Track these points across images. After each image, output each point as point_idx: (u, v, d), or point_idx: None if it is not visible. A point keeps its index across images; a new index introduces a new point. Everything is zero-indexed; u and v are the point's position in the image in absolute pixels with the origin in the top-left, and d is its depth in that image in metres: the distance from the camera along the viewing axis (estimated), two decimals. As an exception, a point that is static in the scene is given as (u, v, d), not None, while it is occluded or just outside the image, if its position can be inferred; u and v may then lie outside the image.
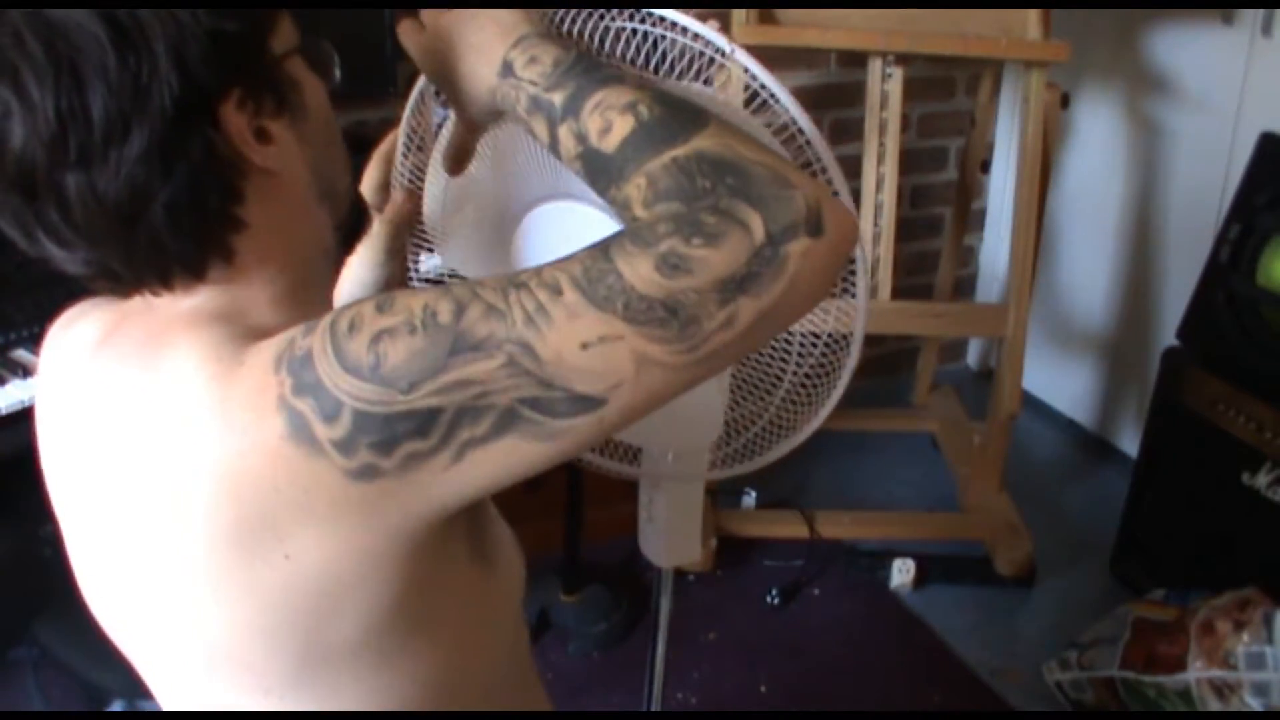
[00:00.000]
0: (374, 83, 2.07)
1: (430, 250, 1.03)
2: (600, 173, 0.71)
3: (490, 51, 0.77)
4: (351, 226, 0.86)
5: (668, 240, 0.63)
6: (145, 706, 1.85)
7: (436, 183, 0.99)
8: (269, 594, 0.69)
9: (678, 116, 0.70)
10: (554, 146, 0.74)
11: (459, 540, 0.75)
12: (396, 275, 0.97)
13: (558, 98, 0.73)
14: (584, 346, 0.63)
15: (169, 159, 0.67)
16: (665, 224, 0.64)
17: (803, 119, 0.86)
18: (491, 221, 1.00)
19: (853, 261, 0.91)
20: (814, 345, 0.97)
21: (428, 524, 0.68)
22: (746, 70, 0.87)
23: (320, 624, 0.70)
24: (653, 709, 1.42)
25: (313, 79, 0.78)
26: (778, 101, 0.87)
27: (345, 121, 1.07)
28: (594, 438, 0.66)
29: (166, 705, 0.81)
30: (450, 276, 1.04)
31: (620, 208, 0.70)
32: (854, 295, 0.93)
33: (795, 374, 1.00)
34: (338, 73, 0.81)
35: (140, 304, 0.77)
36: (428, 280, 1.05)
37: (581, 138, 0.72)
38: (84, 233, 0.69)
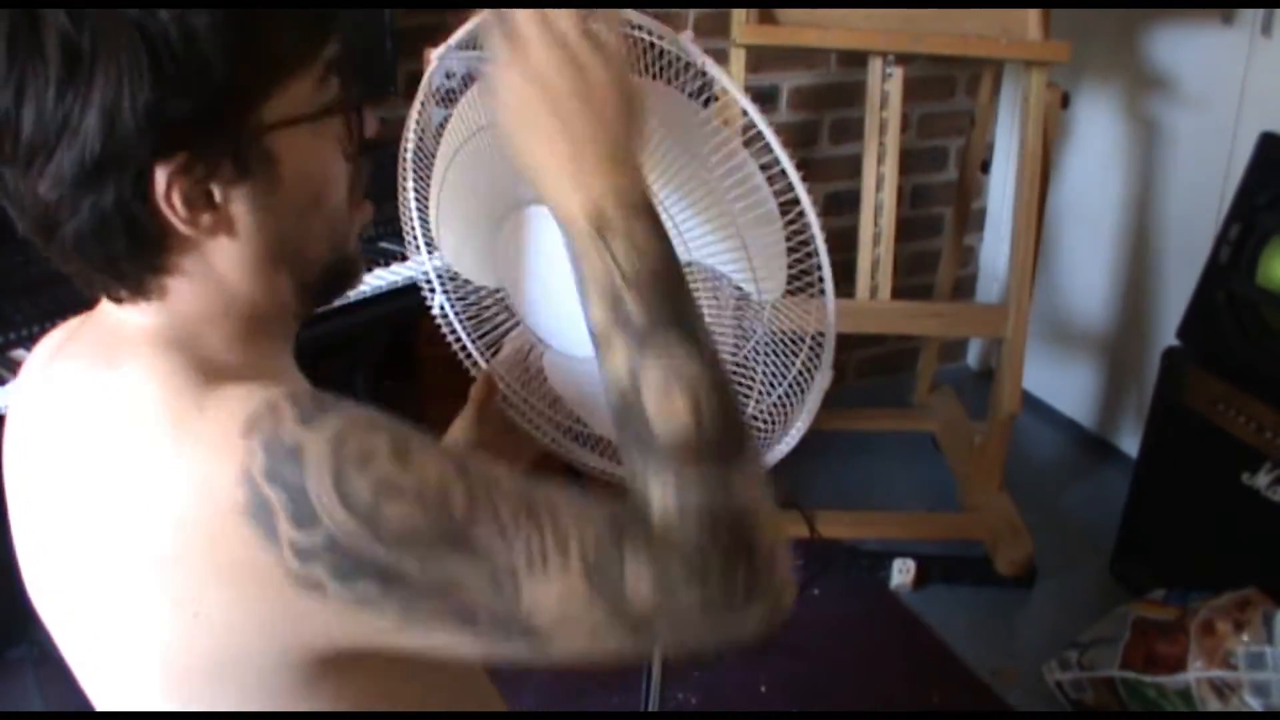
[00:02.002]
0: (374, 83, 2.07)
1: (431, 250, 1.03)
2: (634, 431, 0.72)
3: (586, 178, 0.73)
4: (340, 281, 0.80)
5: (674, 575, 0.67)
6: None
7: (435, 181, 0.99)
8: (171, 639, 0.68)
9: (729, 438, 0.71)
10: (604, 355, 0.73)
11: (398, 662, 0.73)
12: (488, 436, 1.02)
13: (639, 332, 0.71)
14: (561, 608, 0.66)
15: (78, 195, 0.66)
16: (678, 561, 0.67)
17: (771, 137, 0.88)
18: (485, 217, 1.00)
19: (817, 266, 0.91)
20: (798, 348, 0.97)
21: (347, 652, 0.69)
22: (697, 63, 0.87)
23: (220, 670, 0.70)
24: (651, 709, 1.42)
25: (310, 144, 0.72)
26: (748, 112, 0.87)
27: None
28: (528, 662, 0.68)
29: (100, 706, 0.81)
30: (447, 273, 1.05)
31: (637, 476, 0.71)
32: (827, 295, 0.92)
33: (775, 380, 0.99)
34: (366, 130, 0.76)
35: (101, 308, 0.77)
36: (427, 279, 1.05)
37: (637, 392, 0.71)
38: (20, 224, 0.70)
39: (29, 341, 1.49)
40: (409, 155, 1.00)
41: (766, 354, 1.00)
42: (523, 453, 1.10)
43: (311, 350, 1.65)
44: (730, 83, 0.87)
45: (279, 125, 0.70)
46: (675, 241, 0.89)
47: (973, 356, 3.40)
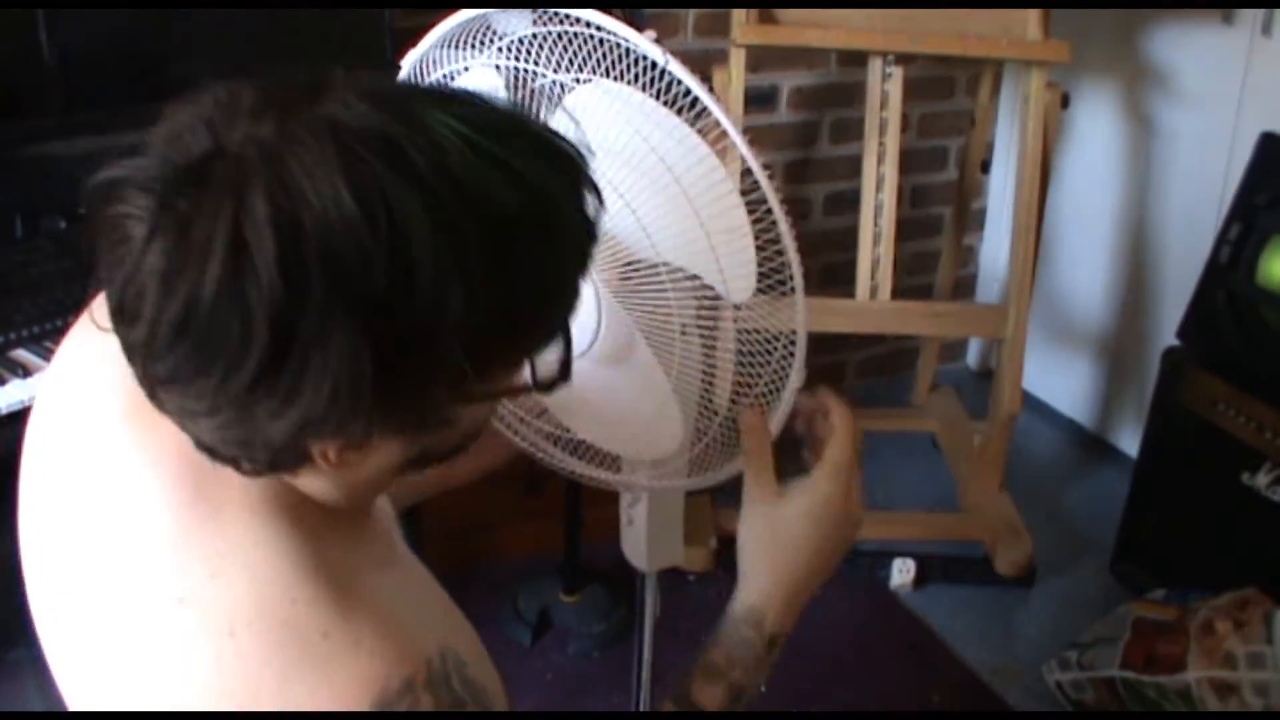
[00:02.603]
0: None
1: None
2: None
3: (795, 603, 0.92)
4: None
5: None
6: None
7: None
8: None
9: None
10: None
11: None
12: None
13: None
14: None
15: (229, 419, 0.62)
16: None
17: (735, 135, 0.88)
18: None
19: (785, 265, 0.91)
20: (773, 349, 0.97)
21: None
22: (660, 62, 0.87)
23: None
24: (644, 709, 1.42)
25: (487, 407, 0.73)
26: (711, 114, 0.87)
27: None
28: None
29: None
30: None
31: None
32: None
33: (751, 382, 0.99)
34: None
35: None
36: None
37: None
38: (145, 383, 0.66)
39: (29, 341, 1.49)
40: None
41: (741, 355, 0.99)
42: (500, 453, 1.10)
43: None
44: (693, 81, 0.87)
45: (473, 401, 0.68)
46: (644, 243, 0.90)
47: (973, 356, 3.40)
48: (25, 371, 1.43)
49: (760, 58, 2.64)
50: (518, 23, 0.91)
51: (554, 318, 0.69)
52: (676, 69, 0.87)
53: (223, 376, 0.59)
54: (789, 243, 0.89)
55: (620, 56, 0.89)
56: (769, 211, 0.89)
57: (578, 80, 0.91)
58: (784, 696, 2.19)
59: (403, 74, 0.99)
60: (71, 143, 1.84)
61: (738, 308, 0.94)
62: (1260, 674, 1.89)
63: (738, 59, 2.27)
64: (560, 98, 0.93)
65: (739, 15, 2.24)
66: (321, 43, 2.10)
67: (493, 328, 0.63)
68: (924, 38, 2.30)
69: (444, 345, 0.61)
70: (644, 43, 0.87)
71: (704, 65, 2.30)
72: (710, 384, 0.98)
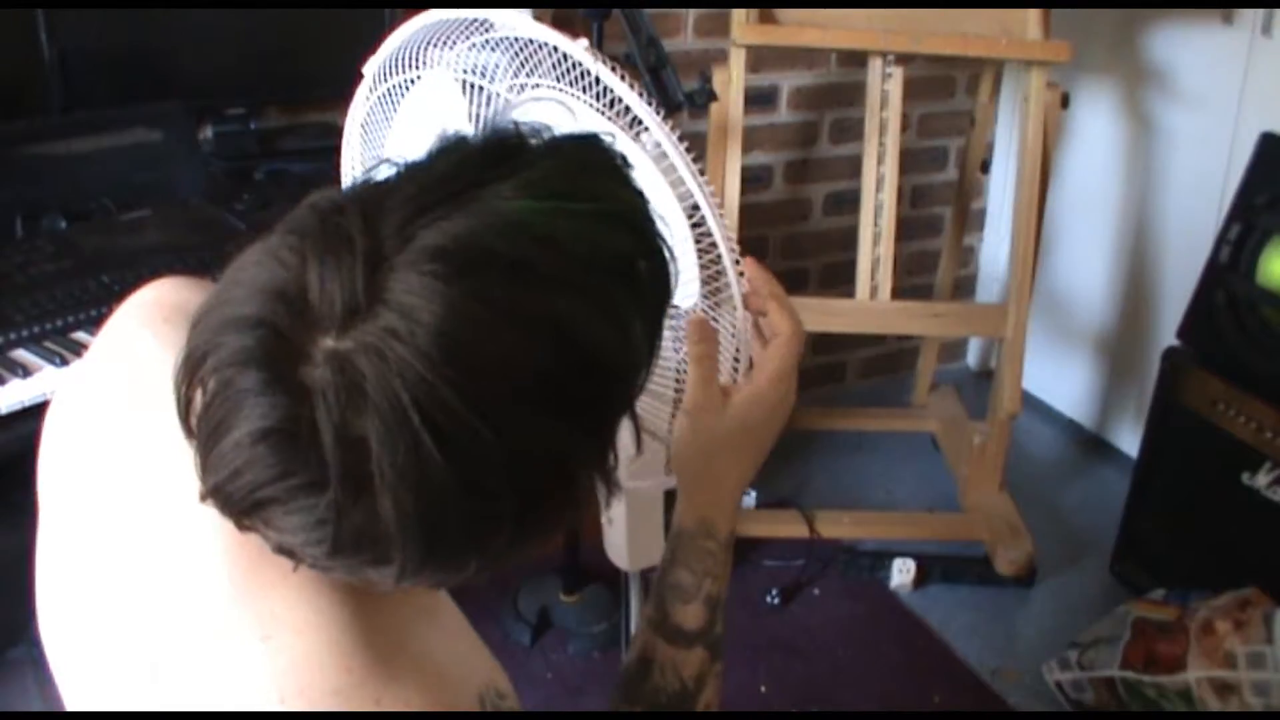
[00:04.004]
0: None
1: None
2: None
3: (737, 499, 0.90)
4: None
5: None
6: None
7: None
8: None
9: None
10: (677, 654, 0.89)
11: None
12: None
13: (716, 645, 0.89)
14: None
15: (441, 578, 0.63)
16: None
17: (671, 143, 0.86)
18: None
19: (717, 261, 0.90)
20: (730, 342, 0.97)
21: None
22: (593, 72, 0.87)
23: None
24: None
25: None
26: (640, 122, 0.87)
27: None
28: None
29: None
30: None
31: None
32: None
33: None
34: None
35: None
36: None
37: (694, 696, 0.89)
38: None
39: (29, 342, 1.49)
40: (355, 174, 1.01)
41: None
42: None
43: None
44: (626, 90, 0.87)
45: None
46: None
47: (973, 356, 3.40)
48: (25, 371, 1.42)
49: (760, 58, 2.64)
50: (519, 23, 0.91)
51: (671, 293, 0.69)
52: (609, 79, 0.86)
53: (479, 556, 0.60)
54: (724, 246, 0.87)
55: (574, 64, 0.89)
56: (705, 218, 0.88)
57: (521, 89, 0.91)
58: (784, 696, 2.19)
59: (368, 77, 1.00)
60: (71, 143, 1.84)
61: (681, 314, 0.93)
62: (1260, 674, 1.89)
63: (738, 59, 2.27)
64: (508, 107, 0.93)
65: (739, 15, 2.24)
66: (321, 43, 2.10)
67: (657, 326, 0.66)
68: (924, 38, 2.30)
69: (638, 380, 0.64)
70: (579, 51, 0.87)
71: (704, 65, 2.30)
72: (681, 381, 0.98)
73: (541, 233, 0.59)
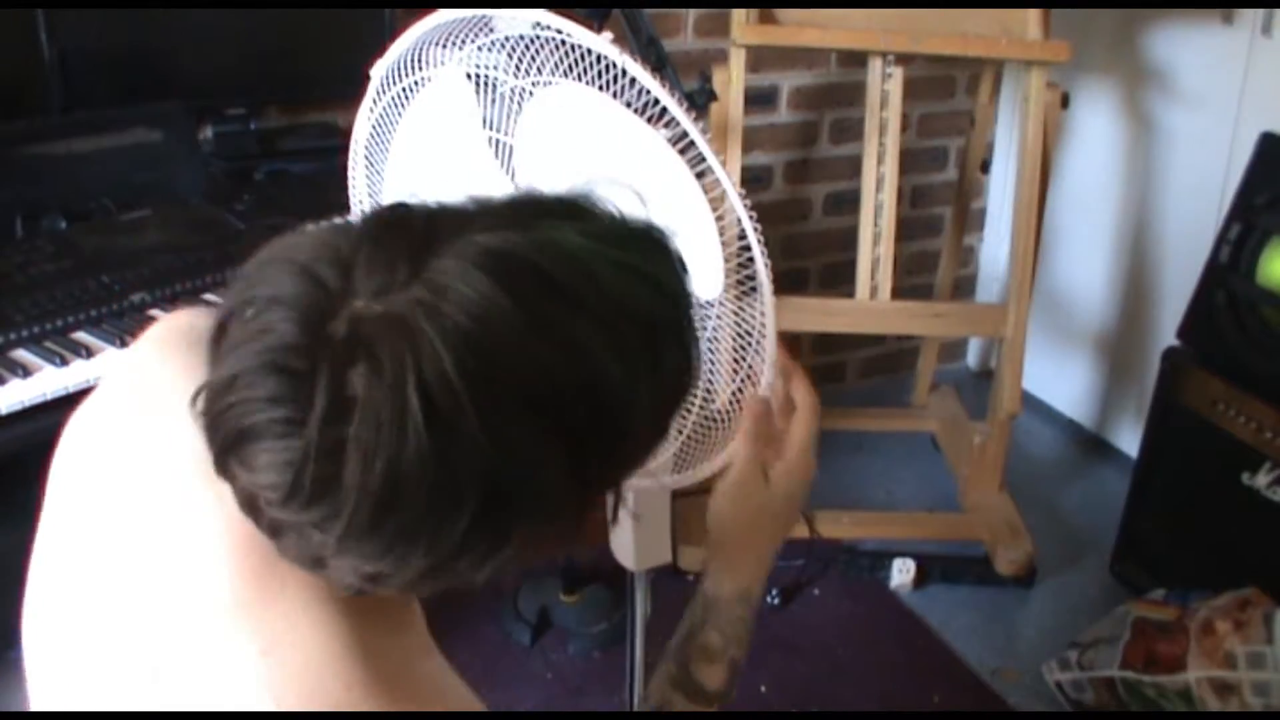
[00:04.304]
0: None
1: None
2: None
3: (765, 562, 0.95)
4: None
5: None
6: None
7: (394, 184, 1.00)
8: None
9: None
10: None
11: None
12: None
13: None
14: None
15: (418, 576, 0.62)
16: None
17: (695, 132, 0.88)
18: None
19: (749, 255, 0.91)
20: (747, 344, 0.97)
21: None
22: (617, 63, 0.87)
23: None
24: (636, 709, 1.42)
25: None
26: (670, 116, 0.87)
27: (348, 123, 1.08)
28: None
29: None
30: None
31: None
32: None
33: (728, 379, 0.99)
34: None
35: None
36: None
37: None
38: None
39: (29, 342, 1.49)
40: (360, 176, 1.01)
41: (716, 354, 1.00)
42: None
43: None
44: (652, 82, 0.87)
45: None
46: None
47: (973, 356, 3.40)
48: (25, 371, 1.42)
49: (760, 58, 2.64)
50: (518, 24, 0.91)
51: (685, 398, 0.72)
52: (635, 70, 0.87)
53: (429, 544, 0.59)
54: (752, 236, 0.89)
55: (580, 57, 0.89)
56: (751, 214, 0.89)
57: (542, 84, 0.92)
58: (784, 696, 2.19)
59: (375, 80, 1.00)
60: (71, 143, 1.84)
61: (706, 305, 0.94)
62: (1260, 674, 1.89)
63: (738, 59, 2.27)
64: (524, 102, 0.93)
65: (739, 15, 2.24)
66: (322, 43, 2.10)
67: (662, 416, 0.68)
68: (924, 38, 2.30)
69: (630, 449, 0.65)
70: (600, 43, 0.87)
71: (704, 65, 2.30)
72: (708, 390, 0.98)
73: (586, 267, 0.62)
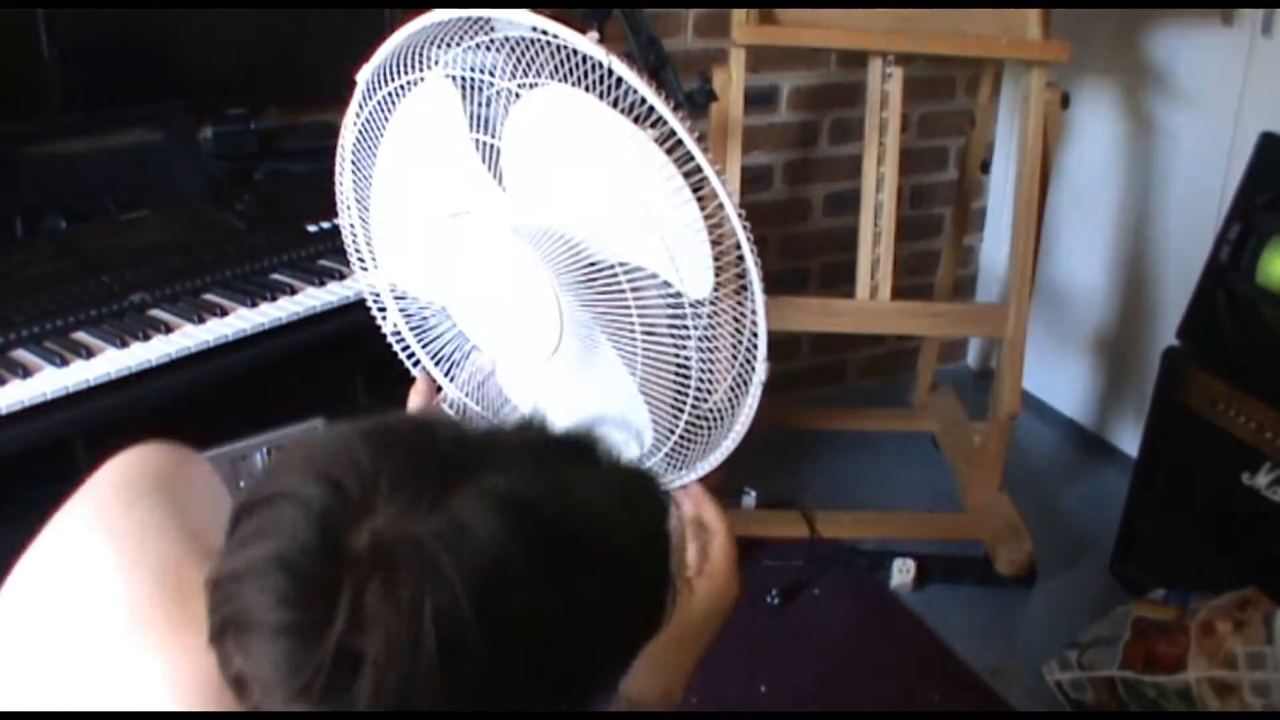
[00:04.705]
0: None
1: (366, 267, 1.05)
2: None
3: (686, 677, 1.00)
4: None
5: None
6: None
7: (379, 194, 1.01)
8: None
9: None
10: None
11: None
12: None
13: None
14: None
15: None
16: None
17: (682, 130, 0.88)
18: (417, 227, 1.01)
19: (741, 257, 0.91)
20: (739, 343, 0.97)
21: None
22: (604, 64, 0.88)
23: None
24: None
25: None
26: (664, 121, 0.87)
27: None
28: None
29: None
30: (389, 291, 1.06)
31: None
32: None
33: (718, 378, 0.99)
34: None
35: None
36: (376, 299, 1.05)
37: None
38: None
39: (29, 342, 1.49)
40: (347, 178, 1.01)
41: (707, 353, 1.00)
42: None
43: (311, 352, 1.65)
44: (639, 82, 0.87)
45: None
46: (600, 244, 0.91)
47: (973, 356, 3.40)
48: (25, 371, 1.42)
49: (760, 58, 2.64)
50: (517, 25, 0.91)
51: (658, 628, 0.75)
52: (621, 69, 0.87)
53: None
54: (742, 236, 0.89)
55: (566, 57, 0.89)
56: (721, 208, 0.89)
57: (530, 86, 0.92)
58: (784, 696, 2.19)
59: (361, 84, 1.00)
60: (71, 143, 1.84)
61: (698, 305, 0.94)
62: (1260, 674, 1.89)
63: (738, 59, 2.27)
64: (512, 105, 0.93)
65: (739, 15, 2.24)
66: (321, 43, 2.10)
67: (640, 645, 0.72)
68: (924, 38, 2.30)
69: (613, 671, 0.73)
70: (587, 44, 0.87)
71: (704, 65, 2.30)
72: (677, 381, 0.98)
73: (596, 523, 0.66)
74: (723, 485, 1.03)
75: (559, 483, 0.65)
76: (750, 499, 2.65)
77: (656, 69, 1.65)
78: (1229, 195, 2.29)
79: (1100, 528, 2.58)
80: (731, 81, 2.26)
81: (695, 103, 1.78)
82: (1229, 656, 1.92)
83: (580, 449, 0.70)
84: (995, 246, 3.23)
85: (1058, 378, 3.09)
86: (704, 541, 1.01)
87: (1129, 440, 2.83)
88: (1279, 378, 2.12)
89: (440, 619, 0.58)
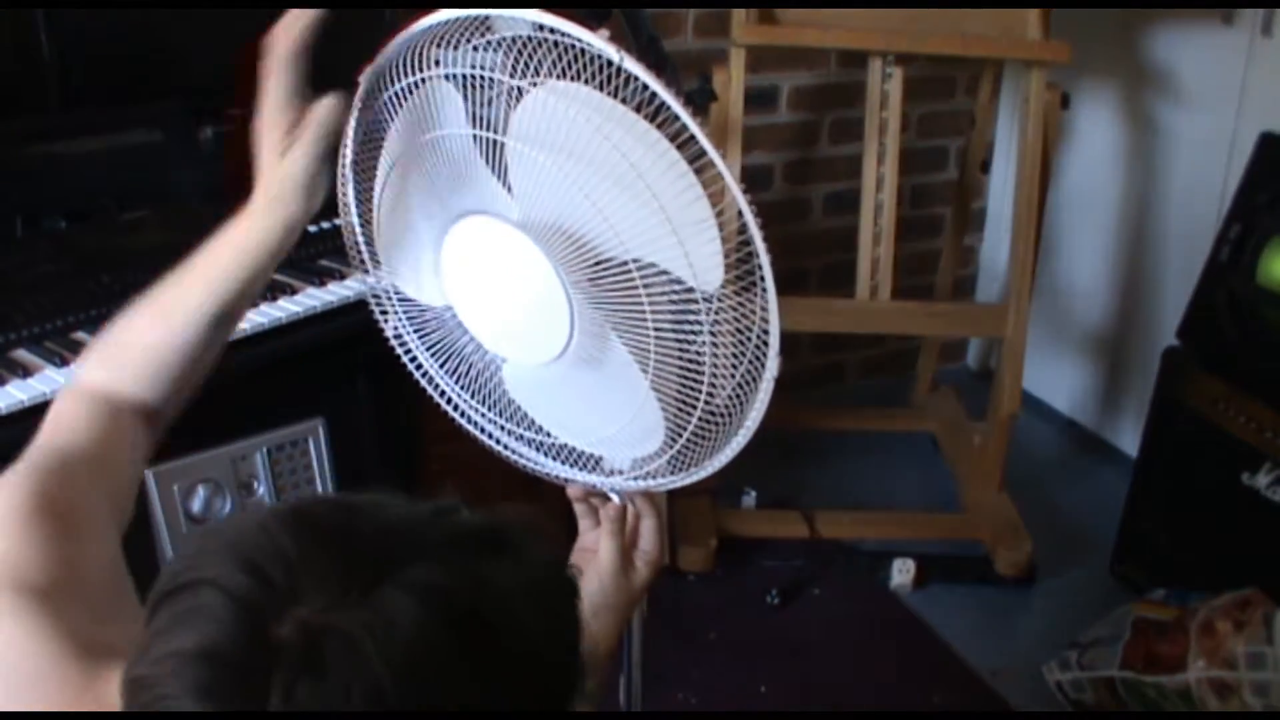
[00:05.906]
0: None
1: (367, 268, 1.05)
2: None
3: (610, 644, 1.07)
4: None
5: None
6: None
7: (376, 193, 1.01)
8: None
9: None
10: None
11: None
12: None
13: None
14: None
15: None
16: None
17: (694, 127, 0.87)
18: (421, 230, 1.01)
19: (750, 254, 0.91)
20: (747, 340, 0.97)
21: None
22: (638, 78, 0.88)
23: None
24: (635, 709, 1.42)
25: None
26: (669, 108, 0.87)
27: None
28: None
29: None
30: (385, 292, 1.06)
31: None
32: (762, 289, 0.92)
33: (728, 374, 0.99)
34: None
35: None
36: (377, 300, 1.06)
37: None
38: None
39: (29, 342, 1.49)
40: (348, 175, 1.01)
41: (718, 349, 0.99)
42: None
43: (311, 352, 1.65)
44: (648, 76, 0.87)
45: None
46: (611, 240, 0.91)
47: (973, 356, 3.40)
48: (25, 371, 1.42)
49: (760, 58, 2.64)
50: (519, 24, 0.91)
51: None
52: (634, 67, 0.87)
53: None
54: (754, 230, 0.89)
55: (575, 57, 0.89)
56: (752, 205, 0.89)
57: (536, 83, 0.92)
58: (784, 696, 2.19)
59: (365, 81, 1.00)
60: (71, 142, 1.83)
61: (709, 300, 0.94)
62: (1260, 674, 1.89)
63: (738, 59, 2.27)
64: (517, 102, 0.93)
65: (739, 15, 2.24)
66: (322, 43, 2.10)
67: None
68: (924, 38, 2.30)
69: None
70: (598, 41, 0.87)
71: (704, 65, 2.30)
72: (688, 379, 0.98)
73: (518, 617, 0.66)
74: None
75: (479, 575, 0.66)
76: (750, 499, 2.65)
77: (656, 69, 1.64)
78: (1229, 195, 2.29)
79: (1100, 528, 2.58)
80: (731, 81, 2.26)
81: (695, 103, 1.79)
82: (1229, 657, 1.92)
83: (498, 538, 0.70)
84: (995, 246, 3.23)
85: (1057, 378, 3.09)
86: (647, 527, 1.10)
87: (1129, 440, 2.83)
88: (1279, 378, 2.12)
89: (367, 704, 0.58)
